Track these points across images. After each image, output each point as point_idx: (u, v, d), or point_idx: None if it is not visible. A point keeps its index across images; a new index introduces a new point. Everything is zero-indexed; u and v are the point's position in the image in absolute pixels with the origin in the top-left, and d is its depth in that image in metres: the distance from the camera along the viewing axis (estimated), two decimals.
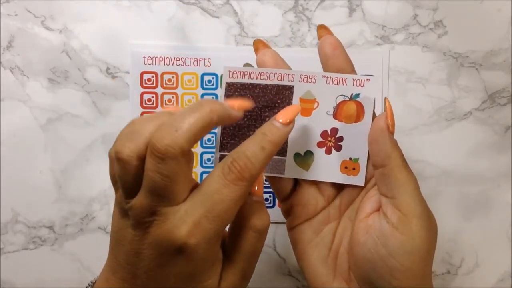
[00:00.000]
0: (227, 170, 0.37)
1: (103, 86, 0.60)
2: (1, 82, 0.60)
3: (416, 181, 0.42)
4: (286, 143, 0.45)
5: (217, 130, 0.45)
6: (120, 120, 0.60)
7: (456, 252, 0.62)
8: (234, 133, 0.45)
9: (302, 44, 0.61)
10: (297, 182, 0.47)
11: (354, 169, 0.45)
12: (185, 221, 0.36)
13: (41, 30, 0.60)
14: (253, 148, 0.38)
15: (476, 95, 0.61)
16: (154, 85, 0.60)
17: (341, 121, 0.44)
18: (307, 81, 0.44)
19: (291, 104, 0.44)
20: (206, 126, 0.37)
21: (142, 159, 0.36)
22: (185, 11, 0.61)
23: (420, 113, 0.61)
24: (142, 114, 0.60)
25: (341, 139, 0.44)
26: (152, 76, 0.60)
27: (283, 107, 0.44)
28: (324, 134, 0.44)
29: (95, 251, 0.60)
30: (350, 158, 0.45)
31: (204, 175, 0.61)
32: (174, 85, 0.60)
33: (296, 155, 0.45)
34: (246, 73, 0.44)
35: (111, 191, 0.39)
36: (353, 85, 0.43)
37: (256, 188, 0.41)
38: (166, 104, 0.60)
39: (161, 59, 0.60)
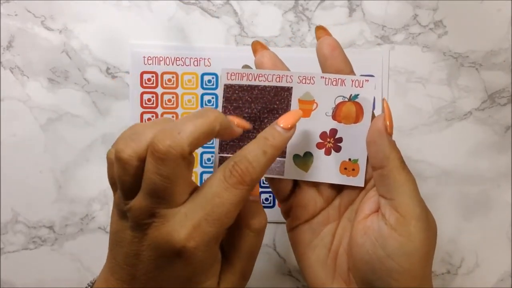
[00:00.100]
0: (228, 174, 0.37)
1: (103, 86, 0.60)
2: (1, 82, 0.60)
3: (415, 182, 0.42)
4: None
5: None
6: (120, 120, 0.60)
7: (456, 252, 0.62)
8: None
9: (302, 44, 0.61)
10: (296, 183, 0.47)
11: (353, 170, 0.45)
12: (185, 223, 0.36)
13: (41, 30, 0.60)
14: (254, 152, 0.38)
15: (476, 95, 0.61)
16: (154, 85, 0.60)
17: (340, 122, 0.44)
18: (305, 82, 0.44)
19: (290, 105, 0.44)
20: (208, 132, 0.37)
21: (142, 160, 0.36)
22: (185, 11, 0.61)
23: (420, 113, 0.61)
24: (142, 114, 0.60)
25: (340, 140, 0.44)
26: (152, 76, 0.60)
27: (282, 108, 0.44)
28: (323, 135, 0.44)
29: (95, 251, 0.60)
30: (350, 159, 0.44)
31: (204, 175, 0.61)
32: (174, 85, 0.60)
33: (296, 156, 0.45)
34: (244, 74, 0.44)
35: (111, 191, 0.39)
36: (351, 86, 0.43)
37: None
38: (166, 104, 0.60)
39: (161, 59, 0.60)
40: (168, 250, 0.36)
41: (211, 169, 0.60)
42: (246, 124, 0.42)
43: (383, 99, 0.43)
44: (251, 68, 0.45)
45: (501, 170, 0.61)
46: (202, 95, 0.60)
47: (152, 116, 0.60)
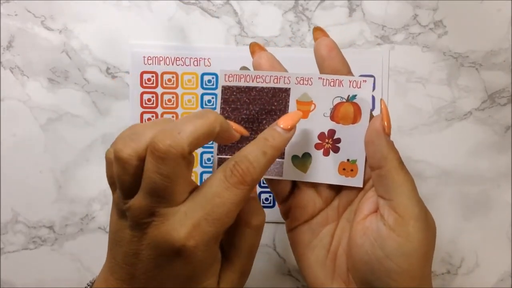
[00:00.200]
0: (229, 173, 0.37)
1: (103, 86, 0.60)
2: (1, 82, 0.60)
3: (413, 183, 0.42)
4: None
5: None
6: (120, 120, 0.60)
7: (456, 252, 0.62)
8: None
9: (302, 44, 0.61)
10: (295, 184, 0.47)
11: (352, 170, 0.45)
12: (185, 222, 0.36)
13: (41, 30, 0.60)
14: (255, 152, 0.38)
15: (476, 95, 0.61)
16: (154, 85, 0.60)
17: (338, 123, 0.44)
18: (303, 83, 0.44)
19: (288, 106, 0.44)
20: (208, 133, 0.37)
21: (142, 160, 0.36)
22: (185, 11, 0.61)
23: (420, 113, 0.61)
24: (142, 114, 0.60)
25: (338, 140, 0.44)
26: (152, 76, 0.60)
27: (280, 109, 0.44)
28: (321, 136, 0.44)
29: (95, 251, 0.60)
30: (348, 160, 0.44)
31: (204, 175, 0.61)
32: (174, 85, 0.60)
33: (294, 157, 0.45)
34: (242, 76, 0.44)
35: (111, 191, 0.40)
36: (349, 86, 0.43)
37: None
38: (166, 104, 0.60)
39: (161, 59, 0.60)
40: (168, 249, 0.36)
41: (211, 169, 0.60)
42: (244, 130, 0.42)
43: (381, 100, 0.43)
44: (249, 69, 0.45)
45: (501, 170, 0.61)
46: (202, 95, 0.60)
47: (152, 116, 0.60)
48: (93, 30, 0.60)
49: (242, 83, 0.44)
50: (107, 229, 0.61)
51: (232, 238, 0.40)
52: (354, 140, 0.44)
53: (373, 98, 0.60)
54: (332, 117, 0.44)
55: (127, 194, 0.37)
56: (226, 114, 0.44)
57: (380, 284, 0.41)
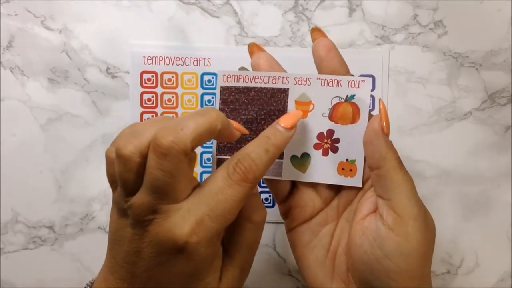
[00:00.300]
0: (231, 171, 0.37)
1: (103, 86, 0.61)
2: (1, 82, 0.60)
3: (412, 182, 0.42)
4: None
5: None
6: (120, 120, 0.61)
7: (456, 252, 0.62)
8: None
9: (302, 44, 0.61)
10: (294, 184, 0.47)
11: (351, 170, 0.45)
12: (188, 219, 0.36)
13: (41, 30, 0.60)
14: (257, 150, 0.39)
15: (476, 95, 0.61)
16: (154, 85, 0.60)
17: (337, 123, 0.44)
18: (302, 84, 0.44)
19: (286, 106, 0.44)
20: (210, 130, 0.37)
21: (144, 157, 0.36)
22: (185, 11, 0.61)
23: (420, 113, 0.61)
24: (142, 114, 0.60)
25: (337, 140, 0.44)
26: (152, 76, 0.60)
27: (279, 110, 0.44)
28: (320, 136, 0.44)
29: (95, 251, 0.60)
30: (347, 160, 0.45)
31: (204, 175, 0.61)
32: (174, 85, 0.60)
33: (293, 158, 0.45)
34: (240, 76, 0.44)
35: (111, 190, 0.40)
36: (348, 86, 0.43)
37: None
38: (166, 104, 0.60)
39: (161, 59, 0.60)
40: (170, 246, 0.36)
41: (211, 169, 0.60)
42: (244, 129, 0.42)
43: (379, 100, 0.43)
44: (248, 70, 0.45)
45: (501, 170, 0.61)
46: (202, 95, 0.60)
47: (152, 116, 0.60)
48: (93, 30, 0.60)
49: (241, 84, 0.44)
50: (107, 229, 0.61)
51: (233, 234, 0.40)
52: (353, 140, 0.44)
53: (373, 98, 0.60)
54: (330, 117, 0.44)
55: (129, 192, 0.37)
56: (225, 115, 0.44)
57: (380, 284, 0.41)
